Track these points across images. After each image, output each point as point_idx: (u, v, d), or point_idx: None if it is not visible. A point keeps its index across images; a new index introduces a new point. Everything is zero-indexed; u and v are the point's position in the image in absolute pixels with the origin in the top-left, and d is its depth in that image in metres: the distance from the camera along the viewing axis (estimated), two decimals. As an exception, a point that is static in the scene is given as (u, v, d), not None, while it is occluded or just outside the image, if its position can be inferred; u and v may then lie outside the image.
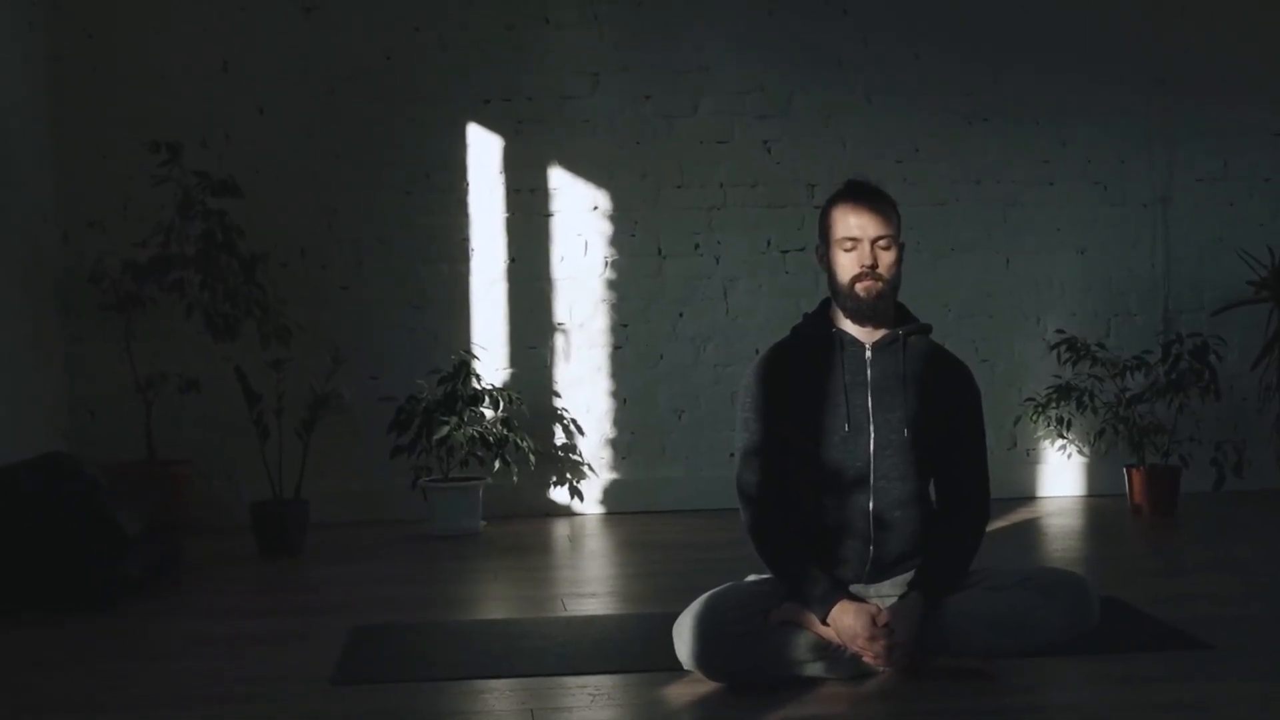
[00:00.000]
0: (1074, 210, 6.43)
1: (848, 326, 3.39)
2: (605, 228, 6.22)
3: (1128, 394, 6.00)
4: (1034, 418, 6.18)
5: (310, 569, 5.11)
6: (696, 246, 6.27)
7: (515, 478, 5.82)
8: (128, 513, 4.68)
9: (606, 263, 6.23)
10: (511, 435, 5.78)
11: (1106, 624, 3.42)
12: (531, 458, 5.84)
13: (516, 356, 6.20)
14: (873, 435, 3.33)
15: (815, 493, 3.35)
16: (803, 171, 6.27)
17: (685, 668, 3.32)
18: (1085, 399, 6.03)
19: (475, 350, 6.07)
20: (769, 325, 5.95)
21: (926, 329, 3.46)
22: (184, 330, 5.78)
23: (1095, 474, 6.42)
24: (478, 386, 5.86)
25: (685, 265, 6.27)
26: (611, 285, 6.24)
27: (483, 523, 5.78)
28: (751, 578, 3.49)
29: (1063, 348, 6.02)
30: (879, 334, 3.38)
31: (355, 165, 6.09)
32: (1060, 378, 6.11)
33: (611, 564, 5.29)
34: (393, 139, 6.11)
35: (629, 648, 3.74)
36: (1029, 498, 6.38)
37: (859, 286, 3.32)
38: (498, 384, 6.07)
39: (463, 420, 5.67)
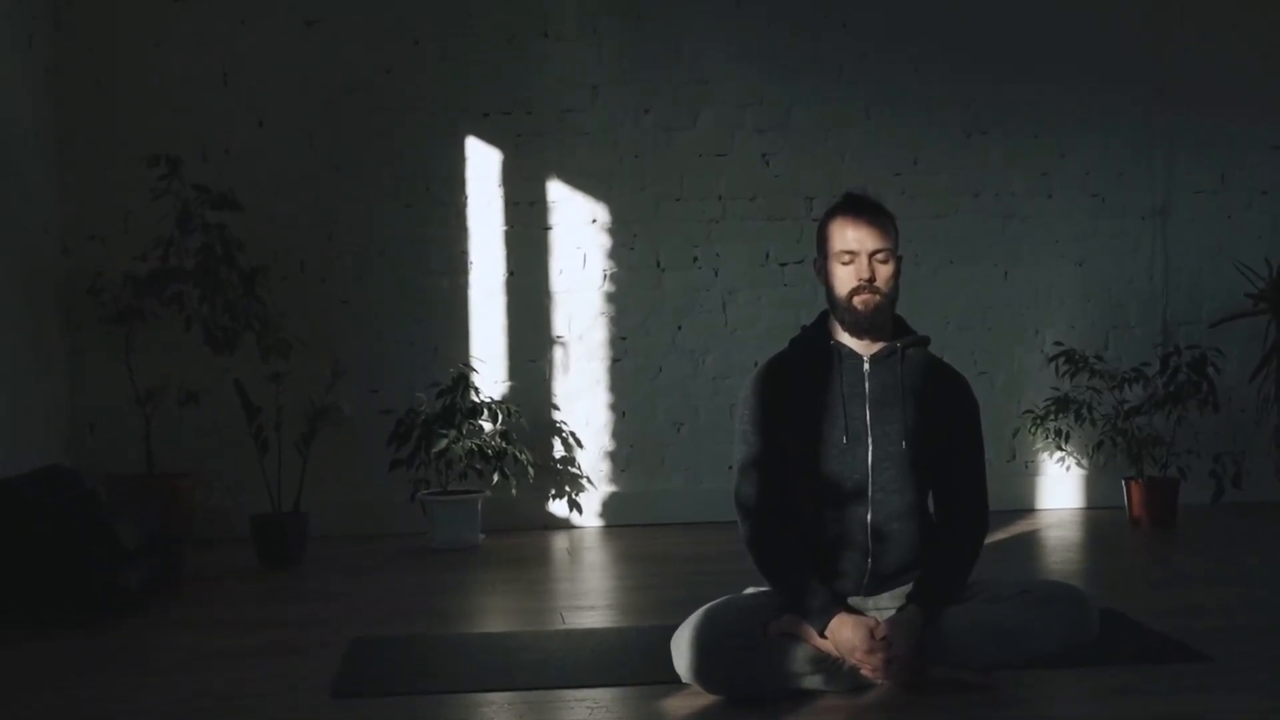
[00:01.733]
0: (1072, 222, 6.44)
1: (846, 339, 3.39)
2: (604, 240, 6.23)
3: (1126, 406, 6.00)
4: (1033, 430, 6.18)
5: (310, 581, 5.11)
6: (695, 259, 6.28)
7: (514, 491, 5.82)
8: (127, 525, 4.69)
9: (605, 275, 6.24)
10: (510, 448, 5.78)
11: (1105, 636, 3.42)
12: (530, 470, 5.84)
13: (515, 369, 6.20)
14: (871, 447, 3.33)
15: (813, 505, 3.35)
16: (802, 184, 6.28)
17: (684, 680, 3.32)
18: (1084, 411, 6.03)
19: (474, 363, 6.08)
20: (768, 337, 5.96)
21: (925, 341, 3.46)
22: (184, 343, 5.79)
23: (1094, 486, 6.42)
24: (476, 399, 5.87)
25: (684, 278, 6.27)
26: (610, 298, 6.25)
27: (482, 536, 5.78)
28: (750, 590, 3.49)
29: (1061, 360, 6.03)
30: (877, 346, 3.38)
31: (354, 178, 6.10)
32: (1059, 390, 6.11)
33: (610, 577, 5.29)
34: (392, 152, 6.12)
35: (628, 660, 3.74)
36: (1028, 510, 6.38)
37: (857, 300, 3.32)
38: (496, 397, 6.07)
39: (461, 433, 5.68)
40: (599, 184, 6.22)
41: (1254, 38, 6.49)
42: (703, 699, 3.30)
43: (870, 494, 3.32)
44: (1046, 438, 6.17)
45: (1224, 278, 6.43)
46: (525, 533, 6.05)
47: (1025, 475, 6.44)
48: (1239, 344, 6.37)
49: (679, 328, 6.28)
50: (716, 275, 6.29)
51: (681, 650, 3.29)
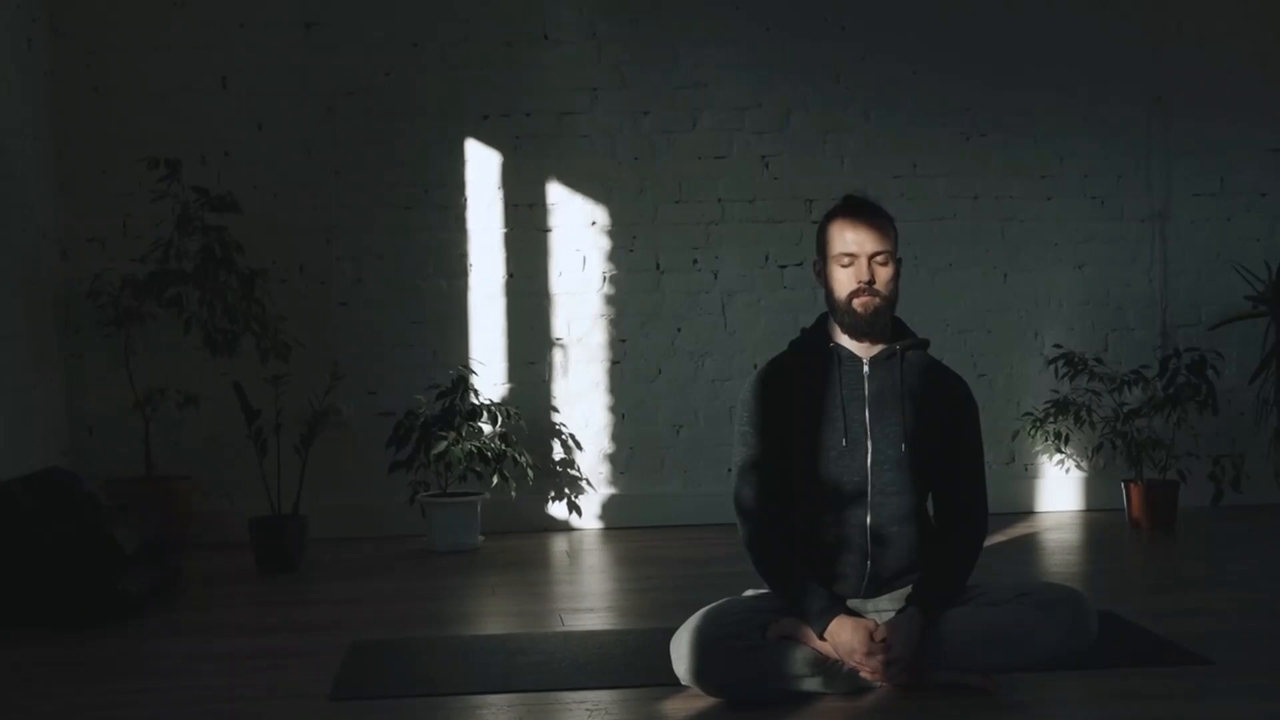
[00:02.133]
0: (1072, 225, 6.44)
1: (845, 341, 3.40)
2: (604, 243, 6.23)
3: (1125, 408, 6.00)
4: (1032, 432, 6.18)
5: (309, 585, 5.11)
6: (695, 261, 6.28)
7: (513, 493, 5.82)
8: (126, 529, 4.69)
9: (605, 278, 6.24)
10: (510, 450, 5.78)
11: (1105, 639, 3.42)
12: (530, 473, 5.84)
13: (515, 371, 6.20)
14: (870, 450, 3.33)
15: (813, 507, 3.35)
16: (800, 187, 6.28)
17: (683, 683, 3.32)
18: (1083, 414, 6.03)
19: (474, 365, 6.08)
20: (767, 340, 5.96)
21: (924, 344, 3.46)
22: (183, 346, 5.79)
23: (1093, 489, 6.42)
24: (476, 402, 5.87)
25: (683, 280, 6.27)
26: (610, 300, 6.25)
27: (481, 538, 5.78)
28: (749, 592, 3.49)
29: (1060, 362, 6.03)
30: (876, 349, 3.39)
31: (354, 181, 6.10)
32: (1058, 392, 6.11)
33: (609, 579, 5.29)
34: (391, 155, 6.12)
35: (627, 663, 3.74)
36: (1027, 512, 6.38)
37: (856, 302, 3.33)
38: (496, 399, 6.07)
39: (461, 435, 5.68)
40: (598, 186, 6.23)
41: (1253, 40, 6.49)
42: (702, 701, 3.30)
43: (869, 496, 3.32)
44: (1046, 440, 6.17)
45: (1223, 280, 6.43)
46: (524, 535, 6.05)
47: (1025, 478, 6.44)
48: (1238, 347, 6.37)
49: (678, 330, 6.28)
50: (716, 278, 6.29)
51: (681, 652, 3.29)
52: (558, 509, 6.22)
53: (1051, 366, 6.12)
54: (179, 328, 5.68)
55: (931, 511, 3.45)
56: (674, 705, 3.31)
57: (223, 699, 3.49)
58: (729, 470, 3.51)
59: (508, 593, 4.95)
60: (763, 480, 3.37)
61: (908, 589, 3.35)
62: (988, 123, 6.37)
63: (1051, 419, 6.09)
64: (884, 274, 3.34)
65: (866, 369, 3.37)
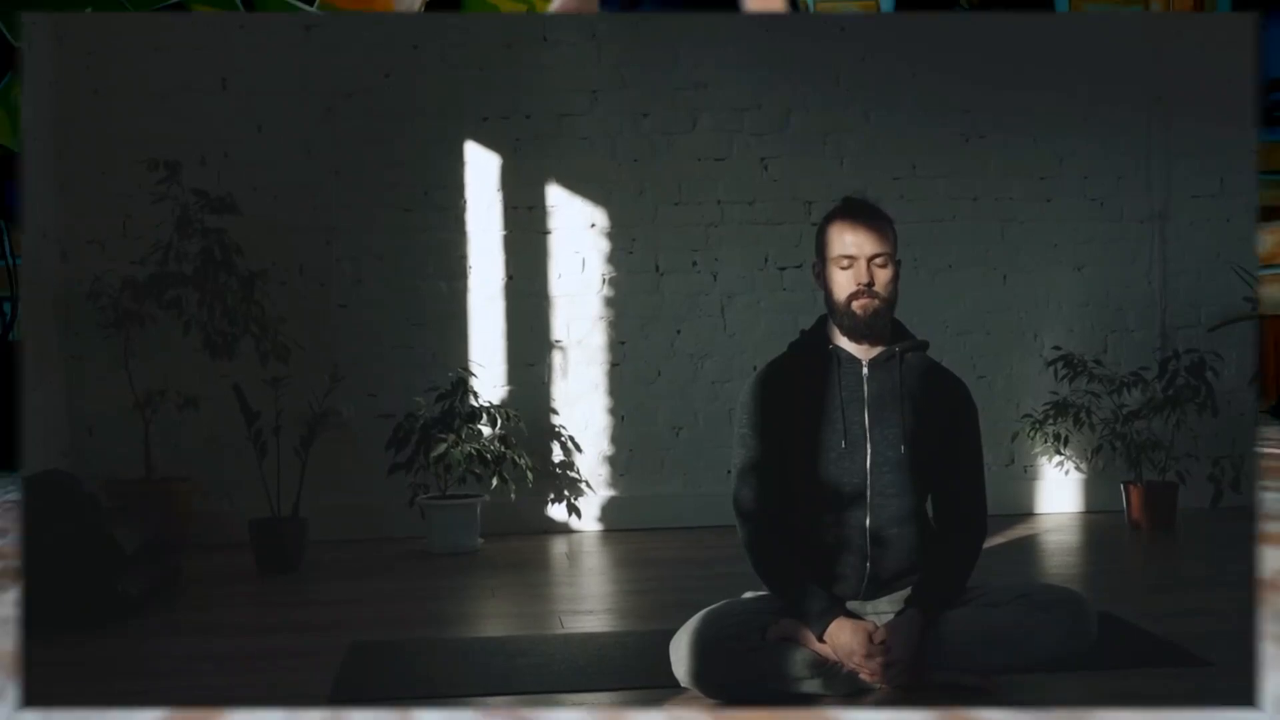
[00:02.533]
0: (1071, 227, 6.45)
1: (844, 343, 3.40)
2: (603, 245, 6.24)
3: (1125, 410, 6.00)
4: (1031, 434, 6.18)
5: (308, 586, 5.11)
6: (694, 263, 6.28)
7: (513, 495, 5.82)
8: (126, 530, 4.68)
9: (604, 280, 6.24)
10: (509, 452, 5.78)
11: (1104, 639, 3.42)
12: (529, 475, 5.84)
13: (514, 373, 6.21)
14: (870, 452, 3.33)
15: (812, 509, 3.35)
16: (800, 189, 6.29)
17: (682, 685, 3.32)
18: (1083, 415, 6.04)
19: (473, 367, 6.08)
20: (767, 342, 5.96)
21: (924, 345, 3.46)
22: (182, 348, 5.79)
23: (1093, 490, 6.42)
24: (475, 404, 5.87)
25: (683, 282, 6.28)
26: (609, 302, 6.25)
27: (481, 540, 5.78)
28: (749, 594, 3.49)
29: (1060, 364, 6.04)
30: (875, 351, 3.39)
31: (353, 183, 6.11)
32: (1058, 394, 6.12)
33: (609, 581, 5.29)
34: (391, 157, 6.12)
35: (627, 665, 3.74)
36: (1027, 514, 6.38)
37: (855, 304, 3.33)
38: (495, 401, 6.07)
39: (460, 437, 5.68)
40: (598, 188, 6.23)
41: (1252, 42, 6.50)
42: (702, 703, 3.30)
43: (869, 498, 3.32)
44: (1045, 442, 6.17)
45: (1222, 282, 6.44)
46: (524, 537, 6.05)
47: (1024, 479, 6.44)
48: (1237, 348, 6.38)
49: (678, 332, 6.29)
50: (715, 280, 6.29)
51: (681, 654, 3.29)
52: (557, 511, 6.22)
53: (1051, 368, 6.13)
54: (179, 330, 5.68)
55: (931, 513, 3.45)
56: (674, 707, 3.31)
57: (222, 700, 3.49)
58: (729, 472, 3.51)
59: (507, 594, 4.95)
60: (762, 482, 3.37)
61: (907, 591, 3.35)
62: (987, 123, 6.38)
63: (1051, 420, 6.10)
64: (883, 276, 3.34)
65: (866, 371, 3.38)
